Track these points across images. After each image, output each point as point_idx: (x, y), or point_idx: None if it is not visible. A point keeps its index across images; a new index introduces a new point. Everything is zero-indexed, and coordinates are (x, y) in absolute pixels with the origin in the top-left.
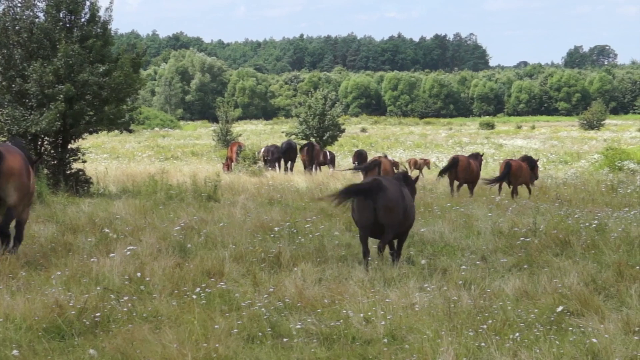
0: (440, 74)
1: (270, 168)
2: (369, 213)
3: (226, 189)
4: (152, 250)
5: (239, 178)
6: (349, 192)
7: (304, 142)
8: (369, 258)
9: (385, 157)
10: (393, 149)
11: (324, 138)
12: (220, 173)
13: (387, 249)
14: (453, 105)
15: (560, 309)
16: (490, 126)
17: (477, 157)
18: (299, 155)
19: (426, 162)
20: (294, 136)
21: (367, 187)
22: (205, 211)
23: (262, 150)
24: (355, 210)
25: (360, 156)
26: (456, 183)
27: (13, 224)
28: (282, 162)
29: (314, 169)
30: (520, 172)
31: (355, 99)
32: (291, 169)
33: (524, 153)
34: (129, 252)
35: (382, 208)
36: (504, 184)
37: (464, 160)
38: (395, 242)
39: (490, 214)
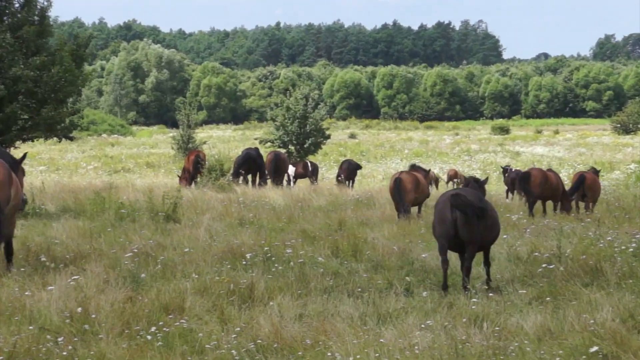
0: (444, 68)
1: (239, 182)
2: (450, 228)
3: (188, 207)
4: (98, 281)
5: (203, 194)
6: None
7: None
8: (447, 266)
9: (414, 166)
10: (388, 159)
11: (305, 146)
12: (181, 188)
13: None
14: (459, 106)
15: (593, 350)
16: (505, 130)
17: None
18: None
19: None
20: (269, 144)
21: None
22: (163, 234)
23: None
24: (436, 224)
25: (348, 168)
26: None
27: None
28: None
29: (287, 183)
30: (595, 186)
31: (342, 99)
32: (259, 183)
33: (546, 163)
34: (70, 284)
35: (463, 223)
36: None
37: (540, 175)
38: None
39: (505, 236)
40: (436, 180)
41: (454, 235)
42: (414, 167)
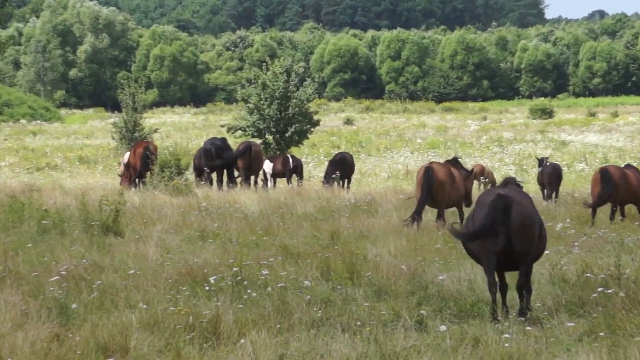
0: (467, 32)
1: (201, 182)
2: (500, 238)
3: (134, 216)
4: (14, 314)
5: (153, 198)
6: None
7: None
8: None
9: (455, 160)
10: (394, 151)
11: (287, 135)
12: (125, 191)
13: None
14: (488, 82)
15: None
16: (547, 113)
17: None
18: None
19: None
20: (239, 132)
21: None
22: (101, 251)
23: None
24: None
25: (342, 163)
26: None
27: None
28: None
29: (263, 183)
30: None
31: (335, 73)
32: (226, 184)
33: (601, 156)
34: None
35: (517, 230)
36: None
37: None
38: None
39: (547, 252)
40: (490, 178)
41: (503, 248)
42: (454, 162)
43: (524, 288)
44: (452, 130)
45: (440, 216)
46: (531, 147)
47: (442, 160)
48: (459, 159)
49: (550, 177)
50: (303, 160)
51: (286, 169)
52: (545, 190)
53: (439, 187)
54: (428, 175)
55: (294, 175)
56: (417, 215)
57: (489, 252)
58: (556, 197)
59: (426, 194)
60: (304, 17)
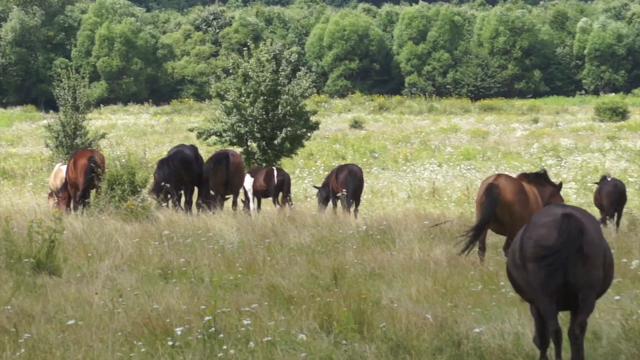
0: (513, 7)
1: (164, 203)
2: (569, 267)
3: (74, 248)
4: None
5: (100, 225)
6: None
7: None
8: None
9: (539, 175)
10: (416, 163)
11: (275, 141)
12: (62, 215)
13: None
14: (540, 72)
15: None
16: (619, 114)
17: None
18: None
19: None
20: (213, 138)
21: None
22: (31, 294)
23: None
24: (532, 267)
25: (351, 177)
26: None
27: None
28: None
29: (247, 203)
30: None
31: (339, 60)
32: (197, 205)
33: None
34: None
35: (584, 258)
36: None
37: None
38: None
39: (617, 297)
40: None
41: (564, 283)
42: (534, 178)
43: (583, 332)
44: (492, 136)
45: (509, 246)
46: (597, 159)
47: (515, 174)
48: (544, 172)
49: (610, 197)
50: (296, 175)
51: (270, 185)
52: (605, 216)
53: (505, 209)
54: (492, 193)
55: (280, 192)
56: (471, 241)
57: (549, 288)
58: (618, 222)
59: (487, 217)
60: None
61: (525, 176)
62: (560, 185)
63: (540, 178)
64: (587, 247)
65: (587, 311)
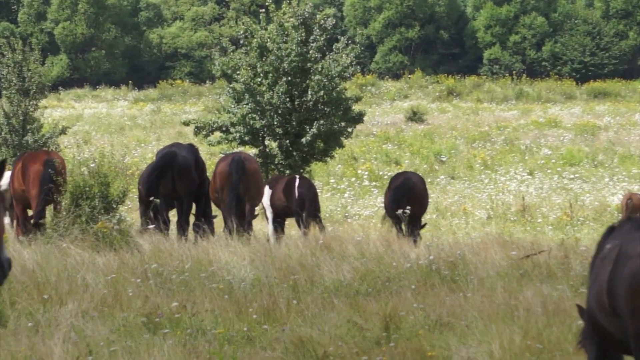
0: None
1: (149, 224)
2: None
3: (25, 289)
4: None
5: (61, 255)
6: None
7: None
8: None
9: None
10: (499, 170)
11: (304, 139)
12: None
13: None
14: None
15: None
16: None
17: None
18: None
19: None
20: (218, 134)
21: None
22: None
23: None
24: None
25: (405, 193)
26: None
27: None
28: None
29: (269, 219)
30: None
31: (391, 27)
32: (194, 225)
33: None
34: None
35: None
36: None
37: None
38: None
39: None
40: None
41: None
42: None
43: None
44: (605, 132)
45: None
46: None
47: None
48: None
49: None
50: (332, 186)
51: (290, 198)
52: None
53: None
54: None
55: (303, 209)
56: None
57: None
58: None
59: None
60: None
61: None
62: None
63: None
64: None
65: None
